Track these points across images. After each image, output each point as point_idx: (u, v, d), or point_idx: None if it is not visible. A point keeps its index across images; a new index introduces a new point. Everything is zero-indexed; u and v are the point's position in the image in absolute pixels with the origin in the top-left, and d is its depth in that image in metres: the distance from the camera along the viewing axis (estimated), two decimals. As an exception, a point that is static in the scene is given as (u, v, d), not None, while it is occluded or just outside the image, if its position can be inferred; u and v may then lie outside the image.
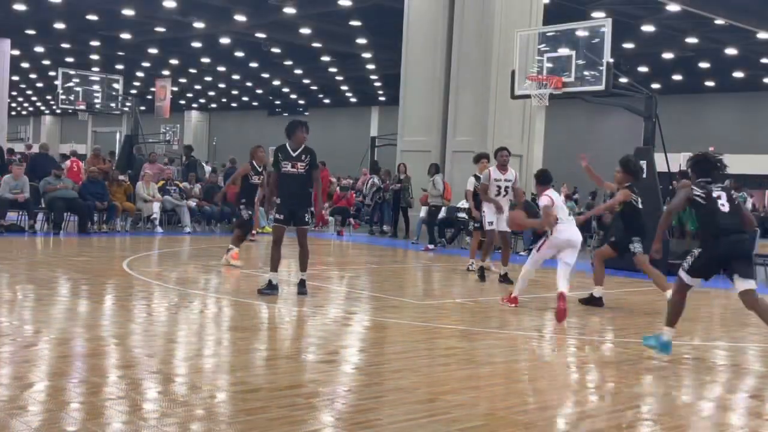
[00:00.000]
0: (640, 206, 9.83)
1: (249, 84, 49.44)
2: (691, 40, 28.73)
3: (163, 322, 7.72)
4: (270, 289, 9.26)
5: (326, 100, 55.69)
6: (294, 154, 9.28)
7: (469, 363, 6.41)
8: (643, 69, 34.92)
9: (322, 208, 11.40)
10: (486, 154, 13.10)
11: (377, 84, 45.49)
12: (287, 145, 9.34)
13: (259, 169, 12.35)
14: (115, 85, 22.30)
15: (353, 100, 54.18)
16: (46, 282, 9.78)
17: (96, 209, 16.80)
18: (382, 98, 50.66)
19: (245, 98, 57.77)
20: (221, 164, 34.70)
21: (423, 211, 18.05)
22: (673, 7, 24.11)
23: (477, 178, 12.42)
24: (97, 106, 22.29)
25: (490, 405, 5.14)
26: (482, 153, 13.25)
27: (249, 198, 12.41)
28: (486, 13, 18.29)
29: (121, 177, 18.51)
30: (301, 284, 9.43)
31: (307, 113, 58.35)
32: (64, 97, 21.55)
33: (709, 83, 38.89)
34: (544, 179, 9.41)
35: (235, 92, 54.76)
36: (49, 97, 55.33)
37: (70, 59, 39.10)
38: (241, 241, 12.31)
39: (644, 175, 10.52)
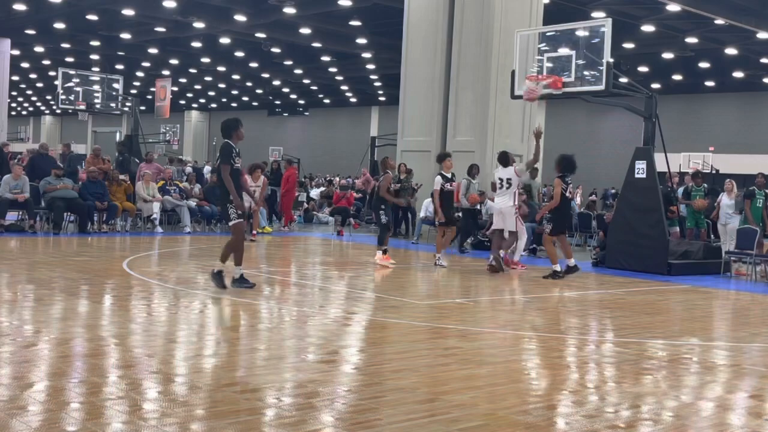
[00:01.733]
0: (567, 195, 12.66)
1: (249, 84, 49.46)
2: (691, 40, 28.74)
3: (163, 322, 7.72)
4: (246, 282, 9.52)
5: (326, 100, 55.71)
6: (237, 150, 9.60)
7: (469, 363, 6.41)
8: (643, 69, 34.93)
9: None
10: (449, 153, 14.30)
11: (377, 84, 45.50)
12: (230, 142, 9.55)
13: (401, 178, 13.73)
14: (115, 85, 22.26)
15: (353, 100, 54.19)
16: (46, 282, 9.78)
17: (96, 209, 16.80)
18: (382, 98, 50.68)
19: (245, 98, 57.79)
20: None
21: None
22: (673, 7, 24.12)
23: (444, 177, 13.52)
24: (97, 106, 22.26)
25: (490, 405, 5.14)
26: (446, 153, 14.51)
27: (386, 203, 13.50)
28: (486, 14, 18.27)
29: (121, 177, 18.51)
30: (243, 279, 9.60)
31: (307, 113, 58.38)
32: (64, 97, 21.52)
33: (709, 83, 38.90)
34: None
35: (235, 92, 54.78)
36: (49, 97, 55.37)
37: (70, 59, 39.12)
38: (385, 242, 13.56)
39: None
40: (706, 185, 17.90)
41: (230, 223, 9.59)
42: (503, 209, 12.86)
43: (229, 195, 9.40)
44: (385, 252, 13.42)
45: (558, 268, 12.39)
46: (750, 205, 14.71)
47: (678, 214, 16.49)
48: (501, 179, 13.09)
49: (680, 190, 17.85)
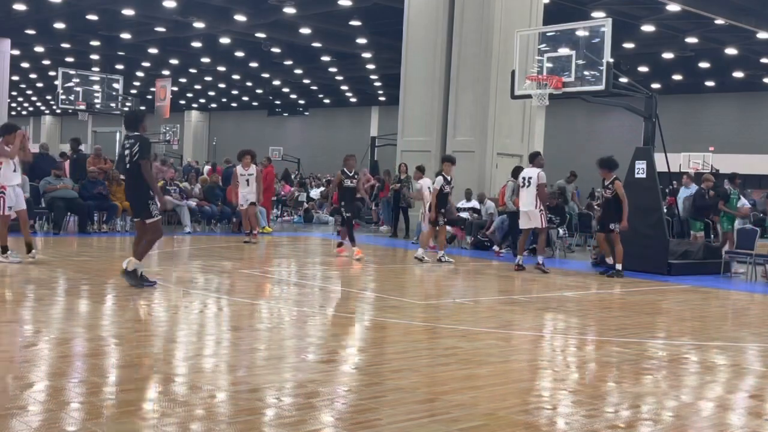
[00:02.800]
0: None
1: (249, 84, 49.43)
2: (691, 40, 28.73)
3: (163, 322, 7.72)
4: (150, 282, 9.35)
5: (326, 100, 55.68)
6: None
7: (469, 363, 6.40)
8: (643, 69, 34.91)
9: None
10: (454, 159, 14.67)
11: (377, 84, 45.48)
12: (145, 136, 9.51)
13: (350, 174, 14.00)
14: (115, 85, 22.28)
15: (353, 100, 54.17)
16: (46, 282, 9.78)
17: (95, 194, 16.72)
18: (382, 98, 50.65)
19: (245, 98, 57.75)
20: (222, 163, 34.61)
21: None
22: (673, 7, 24.11)
23: (445, 178, 14.06)
24: (97, 106, 22.27)
25: (490, 405, 5.14)
26: (453, 157, 14.86)
27: (347, 200, 14.06)
28: (486, 13, 18.28)
29: (121, 177, 18.47)
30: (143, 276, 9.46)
31: (307, 113, 58.35)
32: (64, 97, 21.53)
33: (709, 83, 38.88)
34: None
35: (235, 92, 54.76)
36: (49, 97, 55.33)
37: (70, 59, 39.10)
38: (352, 238, 14.17)
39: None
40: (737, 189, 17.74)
41: (149, 221, 9.41)
42: (528, 211, 13.29)
43: (149, 191, 9.31)
44: (340, 245, 14.45)
45: (620, 266, 13.04)
46: None
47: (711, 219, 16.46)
48: (524, 178, 13.41)
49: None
